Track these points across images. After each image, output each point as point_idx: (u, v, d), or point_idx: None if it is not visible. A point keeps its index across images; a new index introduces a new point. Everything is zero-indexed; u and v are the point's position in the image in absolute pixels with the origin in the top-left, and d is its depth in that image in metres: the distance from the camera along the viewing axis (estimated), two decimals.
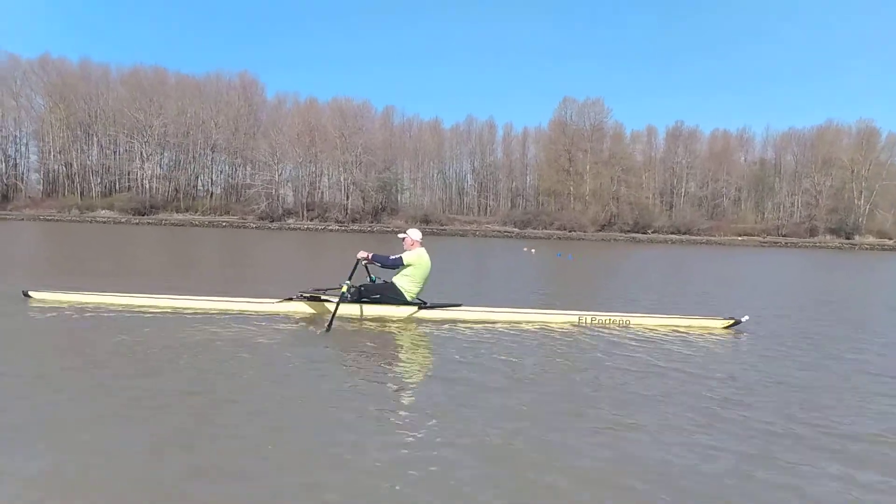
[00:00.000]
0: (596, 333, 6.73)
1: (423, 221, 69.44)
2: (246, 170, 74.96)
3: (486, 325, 6.99)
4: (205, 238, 35.07)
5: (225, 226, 65.38)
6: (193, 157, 75.59)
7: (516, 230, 70.19)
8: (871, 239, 73.47)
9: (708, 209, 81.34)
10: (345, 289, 7.00)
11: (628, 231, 71.79)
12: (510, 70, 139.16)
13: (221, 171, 78.33)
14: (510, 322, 7.16)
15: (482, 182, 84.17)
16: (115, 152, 74.37)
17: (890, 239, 73.53)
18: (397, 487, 2.74)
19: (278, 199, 70.14)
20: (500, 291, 11.31)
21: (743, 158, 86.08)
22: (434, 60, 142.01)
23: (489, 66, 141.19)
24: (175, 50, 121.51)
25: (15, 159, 74.86)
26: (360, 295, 7.21)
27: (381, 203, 74.74)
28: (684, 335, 6.87)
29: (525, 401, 4.13)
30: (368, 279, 7.35)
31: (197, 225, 64.94)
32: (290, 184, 73.44)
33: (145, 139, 72.01)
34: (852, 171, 76.86)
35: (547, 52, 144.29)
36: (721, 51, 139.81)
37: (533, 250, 31.28)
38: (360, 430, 3.43)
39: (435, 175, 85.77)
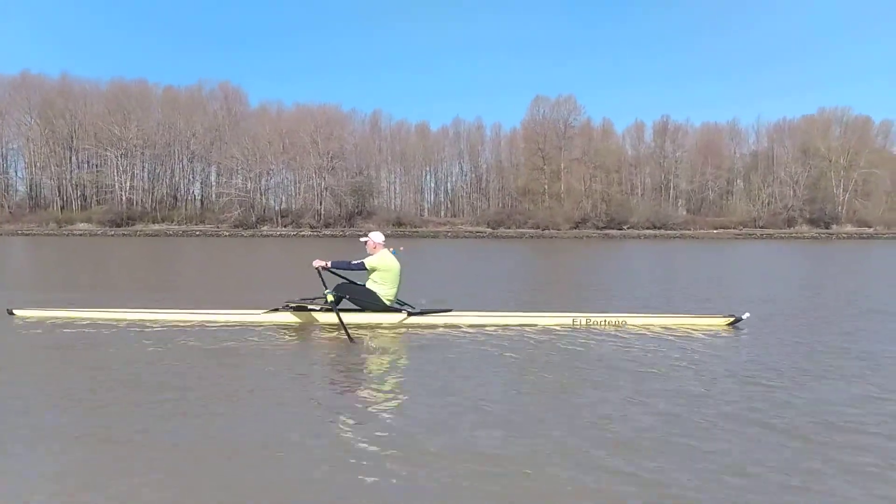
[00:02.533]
0: (592, 335, 6.55)
1: (396, 224, 69.85)
2: (224, 178, 75.52)
3: (478, 329, 6.82)
4: (177, 248, 35.27)
5: (199, 235, 66.02)
6: (171, 168, 76.58)
7: (489, 230, 70.33)
8: (849, 228, 72.87)
9: (695, 203, 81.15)
10: (331, 298, 6.90)
11: (603, 228, 71.64)
12: (497, 70, 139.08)
13: (201, 181, 79.37)
14: (503, 326, 7.01)
15: (471, 183, 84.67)
16: (95, 165, 75.41)
17: (870, 227, 72.89)
18: (385, 499, 2.71)
19: (251, 207, 70.73)
20: None
21: (734, 150, 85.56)
22: (422, 63, 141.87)
23: (476, 66, 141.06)
24: (161, 62, 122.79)
25: None
26: (348, 304, 7.10)
27: (357, 207, 75.08)
28: (683, 335, 6.63)
29: (521, 406, 4.06)
30: (324, 288, 7.05)
31: (171, 235, 65.57)
32: (268, 191, 74.14)
33: (121, 152, 72.83)
34: (830, 161, 76.27)
35: (530, 50, 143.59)
36: (712, 38, 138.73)
37: (402, 248, 32.03)
38: (351, 441, 3.38)
39: (426, 177, 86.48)
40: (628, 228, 72.58)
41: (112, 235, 63.72)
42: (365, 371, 5.12)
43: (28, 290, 11.05)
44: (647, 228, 71.89)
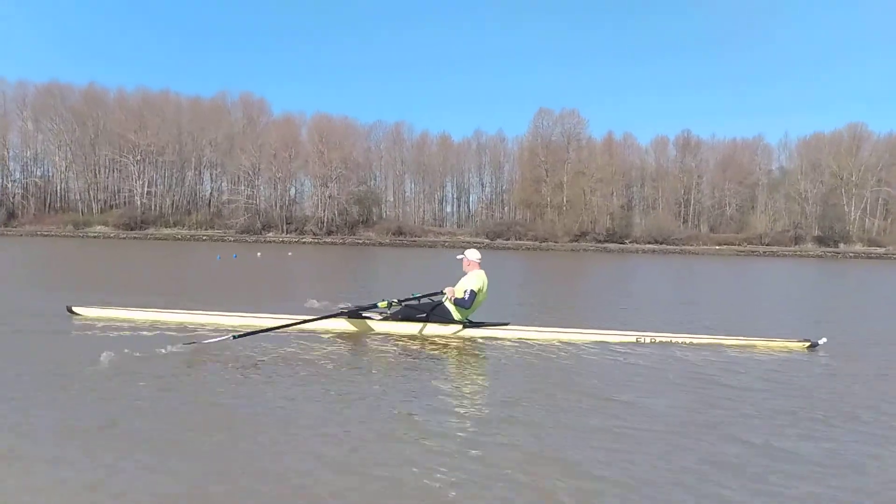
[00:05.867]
0: (656, 355, 6.28)
1: (397, 233, 71.11)
2: (233, 186, 78.03)
3: (536, 345, 6.60)
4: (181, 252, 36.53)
5: (206, 239, 68.37)
6: (187, 175, 79.53)
7: (487, 241, 70.98)
8: (858, 247, 71.20)
9: (714, 218, 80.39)
10: (384, 304, 6.86)
11: (602, 241, 71.58)
12: (520, 81, 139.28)
13: (217, 189, 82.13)
14: (562, 342, 6.76)
15: (491, 194, 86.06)
16: (115, 171, 78.82)
17: (881, 247, 71.09)
18: None
19: (257, 213, 72.90)
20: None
21: (758, 167, 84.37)
22: (446, 74, 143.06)
23: (500, 76, 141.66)
24: (187, 72, 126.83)
25: (21, 179, 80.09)
26: (406, 314, 7.00)
27: (364, 216, 76.57)
28: (755, 358, 6.32)
29: (579, 427, 3.85)
30: (413, 297, 7.08)
31: (179, 239, 68.07)
32: (274, 198, 76.28)
33: (137, 157, 76.01)
34: (841, 178, 74.80)
35: (552, 61, 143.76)
36: (745, 49, 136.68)
37: (259, 254, 33.16)
38: (401, 450, 3.33)
39: (449, 188, 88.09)
40: (630, 242, 72.38)
41: (124, 238, 66.49)
42: (418, 382, 5.00)
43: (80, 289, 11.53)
44: (648, 243, 71.53)
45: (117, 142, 76.03)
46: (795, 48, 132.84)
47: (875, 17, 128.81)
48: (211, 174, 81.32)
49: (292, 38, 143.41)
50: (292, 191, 78.23)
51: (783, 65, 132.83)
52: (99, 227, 72.98)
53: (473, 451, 3.33)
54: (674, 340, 6.86)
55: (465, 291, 6.87)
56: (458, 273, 7.39)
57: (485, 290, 7.07)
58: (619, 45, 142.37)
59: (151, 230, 72.77)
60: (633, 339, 6.86)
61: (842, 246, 71.63)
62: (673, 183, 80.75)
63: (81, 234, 68.70)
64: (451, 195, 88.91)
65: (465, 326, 6.91)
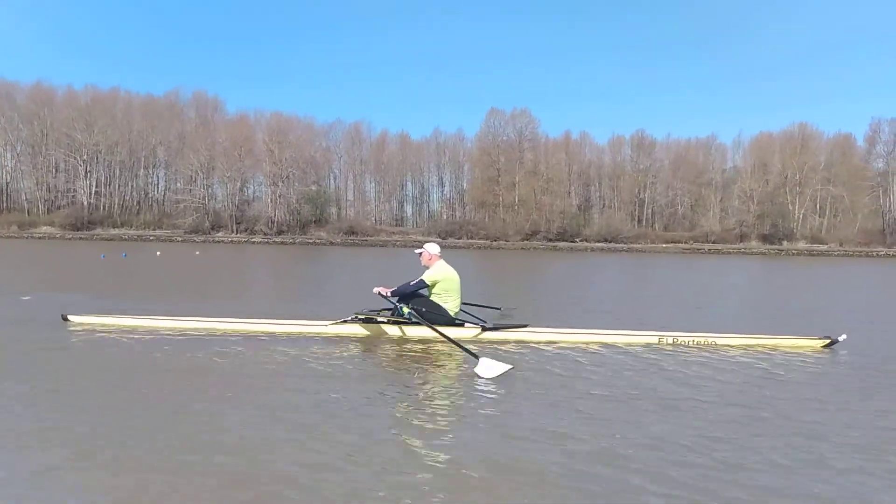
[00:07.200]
0: (679, 355, 6.26)
1: (348, 233, 71.04)
2: (182, 185, 77.35)
3: (557, 347, 6.56)
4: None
5: (153, 239, 67.60)
6: (135, 175, 78.58)
7: (439, 240, 71.25)
8: (801, 244, 72.92)
9: (666, 217, 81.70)
10: (406, 309, 6.71)
11: (553, 240, 72.32)
12: (479, 81, 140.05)
13: (166, 188, 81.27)
14: (583, 343, 6.73)
15: (451, 193, 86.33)
16: (63, 171, 77.63)
17: (824, 244, 72.91)
18: None
19: (206, 214, 72.30)
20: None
21: (711, 166, 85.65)
22: (406, 73, 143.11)
23: (459, 76, 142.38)
24: (143, 70, 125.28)
25: None
26: (420, 318, 6.75)
27: (316, 216, 76.39)
28: (777, 356, 6.35)
29: (603, 433, 3.75)
30: (396, 309, 6.88)
31: (126, 239, 67.19)
32: (224, 198, 75.73)
33: (83, 157, 74.93)
34: (786, 177, 76.53)
35: (511, 60, 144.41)
36: (699, 52, 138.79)
37: (158, 253, 32.24)
38: (419, 459, 3.26)
39: (409, 186, 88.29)
40: (580, 241, 73.25)
41: (70, 239, 65.46)
42: (437, 387, 4.92)
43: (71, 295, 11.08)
44: (598, 242, 72.46)
45: (63, 141, 74.95)
46: (753, 51, 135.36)
47: (837, 19, 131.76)
48: (165, 173, 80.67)
49: (253, 38, 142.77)
50: (249, 190, 78.12)
51: (742, 66, 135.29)
52: (45, 227, 71.76)
53: (491, 453, 3.29)
54: (695, 340, 6.91)
55: (412, 282, 6.89)
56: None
57: (449, 280, 6.98)
58: (580, 46, 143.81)
59: (99, 230, 71.74)
60: (655, 340, 6.89)
61: (785, 244, 73.29)
62: (628, 182, 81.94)
63: (27, 235, 67.44)
64: (410, 194, 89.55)
65: (483, 329, 6.88)
